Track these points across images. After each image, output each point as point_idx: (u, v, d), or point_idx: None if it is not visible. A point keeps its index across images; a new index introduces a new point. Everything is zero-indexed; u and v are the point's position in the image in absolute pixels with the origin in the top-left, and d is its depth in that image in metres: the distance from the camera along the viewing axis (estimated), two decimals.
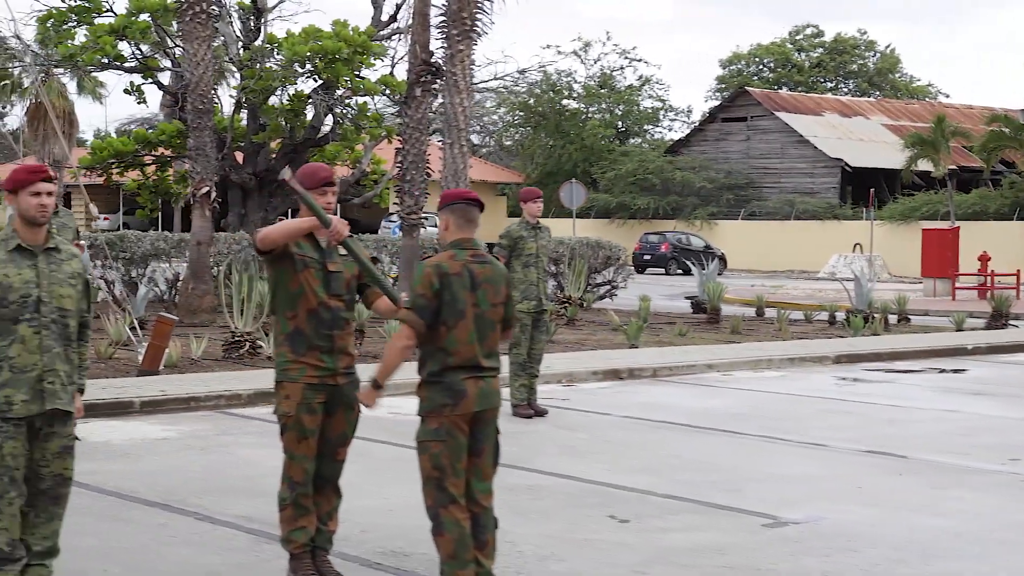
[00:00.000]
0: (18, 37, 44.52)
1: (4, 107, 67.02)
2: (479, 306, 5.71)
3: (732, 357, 15.35)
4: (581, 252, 24.03)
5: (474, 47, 19.10)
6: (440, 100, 20.77)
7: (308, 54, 24.81)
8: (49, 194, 5.45)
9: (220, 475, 8.63)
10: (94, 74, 31.08)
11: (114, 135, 37.05)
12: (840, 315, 21.36)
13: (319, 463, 6.21)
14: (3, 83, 56.92)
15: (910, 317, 22.35)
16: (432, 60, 20.99)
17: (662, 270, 44.79)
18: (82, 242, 10.13)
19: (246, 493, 8.10)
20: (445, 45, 19.06)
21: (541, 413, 11.34)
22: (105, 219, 51.33)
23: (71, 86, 54.62)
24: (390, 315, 6.20)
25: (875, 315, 20.41)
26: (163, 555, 6.71)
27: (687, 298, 29.41)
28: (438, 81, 21.26)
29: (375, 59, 25.68)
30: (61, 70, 42.69)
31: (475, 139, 44.95)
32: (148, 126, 49.43)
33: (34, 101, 51.81)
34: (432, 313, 5.63)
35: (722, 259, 43.18)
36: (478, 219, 5.84)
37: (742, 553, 6.82)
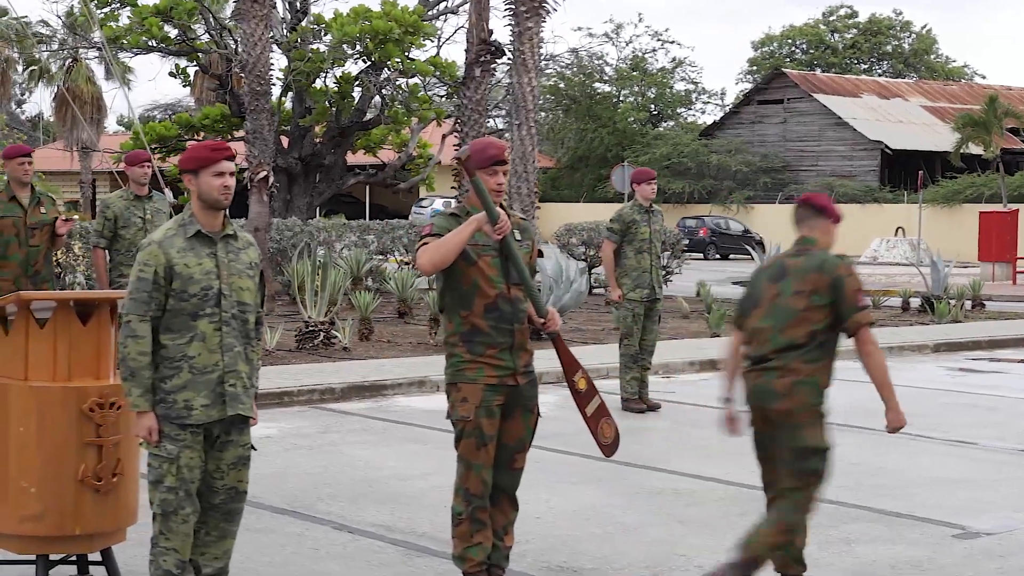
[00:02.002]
0: (46, 23, 43.93)
1: (23, 93, 66.65)
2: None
3: None
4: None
5: (543, 24, 18.43)
6: (502, 80, 20.19)
7: (358, 35, 24.18)
8: (232, 174, 4.84)
9: (340, 478, 8.03)
10: (133, 57, 30.39)
11: (138, 122, 36.60)
12: (914, 301, 20.69)
13: (495, 472, 5.61)
14: (30, 68, 56.55)
15: (984, 303, 21.65)
16: (491, 39, 20.35)
17: (700, 255, 44.09)
18: (75, 217, 9.53)
19: (374, 499, 7.50)
20: (512, 22, 18.37)
21: (654, 407, 10.72)
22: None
23: (99, 71, 54.25)
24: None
25: (951, 300, 19.74)
26: (314, 570, 6.11)
27: (736, 283, 28.80)
28: (497, 61, 20.64)
29: (426, 39, 25.05)
30: (90, 55, 42.13)
31: (500, 123, 44.29)
32: (171, 112, 48.90)
33: (62, 86, 51.42)
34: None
35: (760, 244, 42.49)
36: (809, 220, 5.86)
37: (946, 570, 6.20)
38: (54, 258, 10.03)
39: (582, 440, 9.34)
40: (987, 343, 15.82)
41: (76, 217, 9.47)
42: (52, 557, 5.46)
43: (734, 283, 28.75)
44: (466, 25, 20.33)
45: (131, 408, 4.80)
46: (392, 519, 7.03)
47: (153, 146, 26.68)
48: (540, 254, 5.72)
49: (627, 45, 59.46)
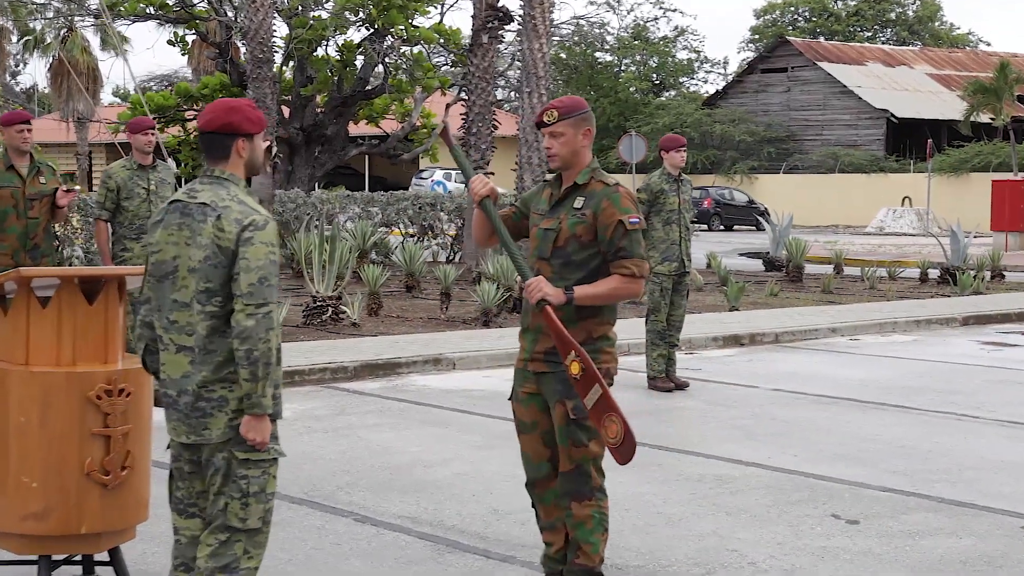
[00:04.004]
0: None
1: (18, 65, 65.88)
2: None
3: (854, 320, 14.21)
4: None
5: None
6: (508, 48, 19.64)
7: (360, 1, 23.60)
8: None
9: (359, 464, 7.56)
10: (130, 26, 29.78)
11: (137, 91, 35.99)
12: (933, 272, 20.23)
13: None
14: (24, 39, 55.80)
15: (1004, 273, 21.17)
16: (500, 4, 19.82)
17: (704, 226, 43.60)
18: (76, 187, 9.00)
19: (397, 488, 7.04)
20: None
21: (682, 386, 10.26)
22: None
23: (94, 42, 53.51)
24: None
25: (972, 271, 19.27)
26: (338, 569, 5.65)
27: (743, 254, 28.35)
28: (505, 27, 20.12)
29: (430, 5, 24.47)
30: (85, 23, 41.49)
31: (500, 94, 43.76)
32: (168, 83, 48.22)
33: (57, 57, 50.69)
34: None
35: (765, 214, 41.98)
36: None
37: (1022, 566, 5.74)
38: (54, 231, 9.56)
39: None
40: (1016, 315, 15.35)
41: (78, 188, 8.96)
42: (55, 557, 4.99)
43: (741, 255, 28.28)
44: None
45: (263, 411, 4.07)
46: (417, 510, 6.57)
47: (152, 116, 26.16)
48: (623, 225, 4.95)
49: (628, 14, 58.82)
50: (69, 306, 4.97)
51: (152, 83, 54.09)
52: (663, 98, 56.86)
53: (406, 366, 10.85)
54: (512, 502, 6.47)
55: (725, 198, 45.17)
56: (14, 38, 56.01)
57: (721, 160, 50.28)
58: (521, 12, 18.14)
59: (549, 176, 5.16)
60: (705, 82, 61.33)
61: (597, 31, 57.87)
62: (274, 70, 19.46)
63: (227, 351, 4.09)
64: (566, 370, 4.81)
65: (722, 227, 44.56)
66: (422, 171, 47.25)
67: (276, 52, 25.34)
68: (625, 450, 4.79)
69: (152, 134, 8.93)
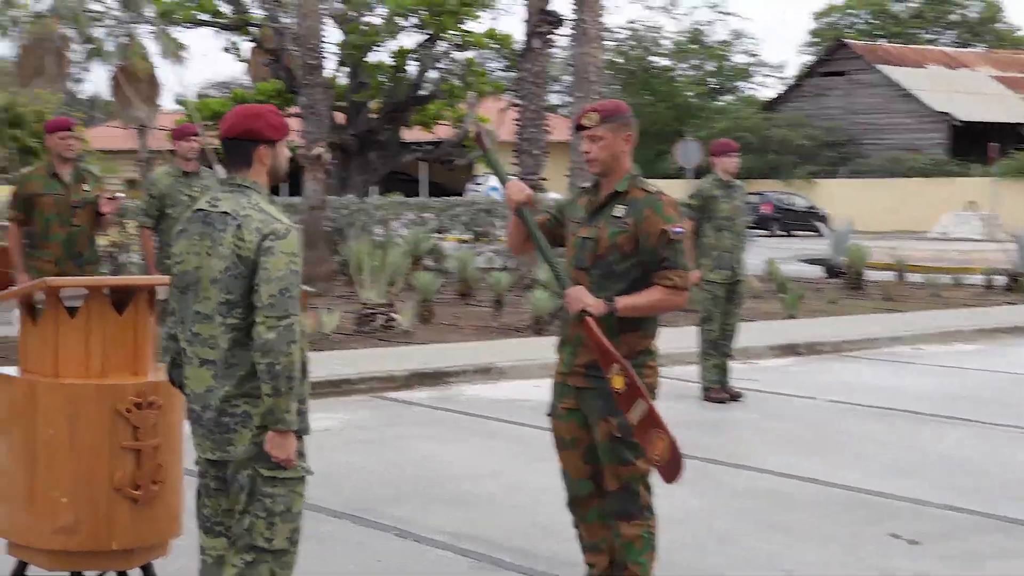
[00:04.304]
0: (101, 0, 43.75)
1: (82, 72, 66.69)
2: None
3: (917, 329, 13.88)
4: None
5: None
6: (560, 54, 19.47)
7: (412, 6, 23.52)
8: None
9: (404, 477, 7.40)
10: (180, 34, 29.89)
11: (188, 96, 36.09)
12: (999, 279, 19.78)
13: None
14: (86, 46, 56.42)
15: None
16: (550, 8, 19.62)
17: (765, 232, 43.09)
18: (118, 195, 8.89)
19: (442, 501, 6.86)
20: None
21: (736, 397, 10.01)
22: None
23: (153, 49, 53.96)
24: None
25: None
26: None
27: (803, 260, 27.91)
28: (557, 32, 19.92)
29: (482, 10, 24.36)
30: (144, 31, 41.82)
31: (554, 99, 43.52)
32: (227, 89, 48.52)
33: (117, 65, 51.08)
34: None
35: (825, 219, 41.47)
36: None
37: None
38: (108, 238, 9.47)
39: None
40: None
41: (121, 194, 8.87)
42: (86, 574, 4.86)
43: (800, 260, 27.86)
44: None
45: (287, 427, 3.91)
46: (461, 525, 6.39)
47: (207, 122, 26.25)
48: (666, 235, 4.70)
49: (685, 17, 58.39)
50: (98, 316, 4.85)
51: (212, 90, 54.48)
52: (720, 102, 56.38)
53: (455, 375, 10.68)
54: (557, 517, 6.24)
55: (784, 203, 44.65)
56: (76, 46, 56.78)
57: (780, 165, 49.76)
58: (572, 16, 17.93)
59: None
60: (763, 86, 60.71)
61: (653, 35, 57.56)
62: (326, 76, 19.41)
63: (250, 365, 3.93)
64: (608, 384, 4.60)
65: (782, 232, 44.04)
66: (477, 176, 47.23)
67: (329, 58, 25.38)
68: (672, 468, 4.57)
69: (195, 140, 8.83)
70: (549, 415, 4.95)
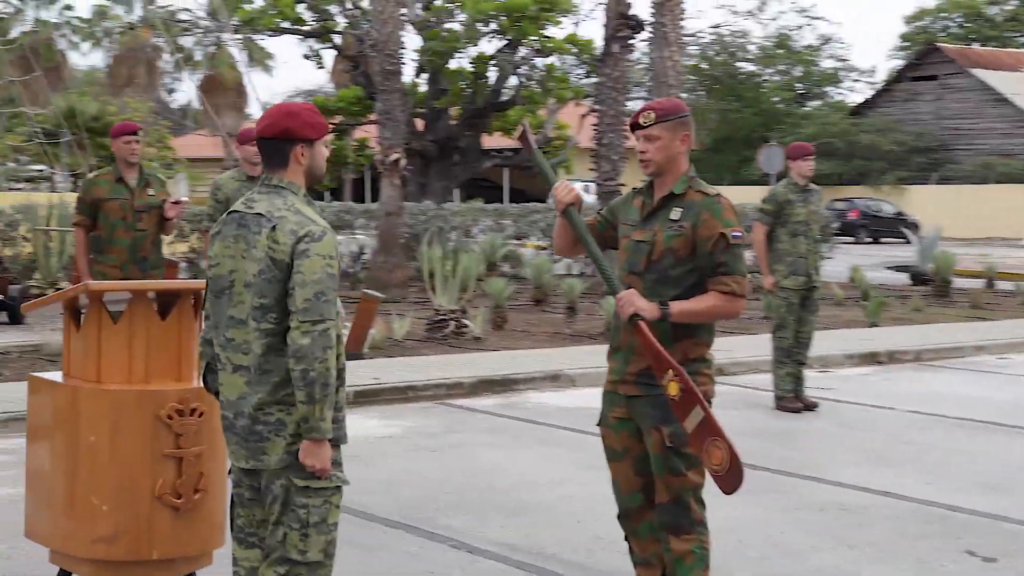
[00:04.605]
0: (189, 9, 44.31)
1: (174, 82, 67.56)
2: None
3: (1004, 337, 13.46)
4: None
5: None
6: (642, 58, 19.27)
7: (492, 12, 23.45)
8: None
9: (463, 485, 7.26)
10: (265, 42, 30.17)
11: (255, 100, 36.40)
12: None
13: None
14: (176, 56, 57.20)
15: None
16: (631, 13, 19.43)
17: (851, 238, 42.37)
18: (183, 199, 8.83)
19: (499, 510, 6.72)
20: None
21: (811, 407, 9.74)
22: None
23: (241, 57, 54.58)
24: None
25: None
26: None
27: (890, 267, 27.35)
28: (636, 36, 19.72)
29: (563, 16, 24.21)
30: (232, 40, 42.41)
31: (638, 104, 42.88)
32: (309, 96, 48.88)
33: (205, 74, 51.78)
34: None
35: (914, 226, 40.64)
36: None
37: None
38: (188, 244, 9.46)
39: (736, 443, 8.44)
40: None
41: (186, 199, 8.82)
42: None
43: (888, 268, 27.32)
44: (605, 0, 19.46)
45: (322, 436, 3.77)
46: (517, 536, 6.24)
47: None
48: (724, 239, 4.49)
49: (772, 22, 57.72)
50: (141, 321, 4.79)
51: (298, 97, 54.97)
52: (807, 108, 55.62)
53: (524, 382, 10.54)
54: (615, 529, 6.03)
55: (872, 209, 43.86)
56: (166, 56, 57.56)
57: (869, 171, 48.93)
58: (652, 20, 17.73)
59: (640, 183, 4.79)
60: (851, 91, 59.80)
61: (739, 40, 56.98)
62: (404, 82, 19.36)
63: (284, 371, 3.81)
64: (663, 391, 4.42)
65: (869, 239, 43.28)
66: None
67: (409, 64, 25.40)
68: (731, 478, 4.36)
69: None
70: (599, 424, 4.79)
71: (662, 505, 4.60)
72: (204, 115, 50.20)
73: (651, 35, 17.84)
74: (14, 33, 56.13)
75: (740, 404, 10.05)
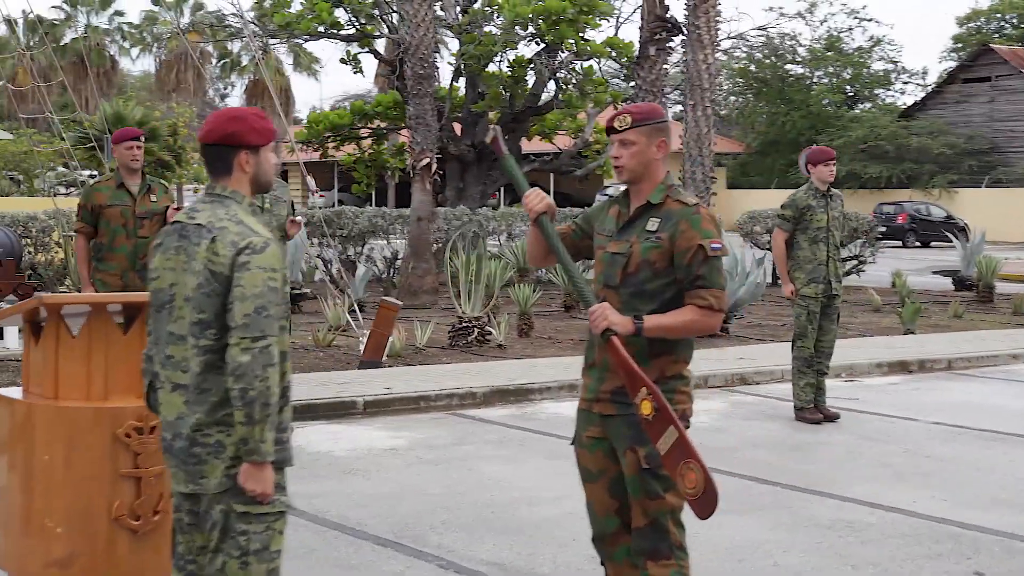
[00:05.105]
0: (238, 14, 44.72)
1: (226, 87, 67.98)
2: None
3: None
4: None
5: None
6: (679, 58, 19.01)
7: (530, 15, 23.22)
8: None
9: (461, 500, 7.08)
10: (308, 47, 30.13)
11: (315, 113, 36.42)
12: None
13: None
14: (223, 61, 57.51)
15: None
16: (668, 15, 19.16)
17: (899, 243, 41.78)
18: (298, 218, 8.71)
19: (494, 528, 6.52)
20: None
21: (831, 418, 9.47)
22: (320, 195, 51.34)
23: (287, 61, 54.79)
24: None
25: None
26: None
27: (936, 272, 26.86)
28: (673, 39, 19.46)
29: (601, 19, 23.95)
30: (278, 44, 42.57)
31: (679, 108, 42.54)
32: (364, 101, 48.98)
33: (252, 78, 51.91)
34: None
35: (964, 230, 39.98)
36: None
37: None
38: None
39: (743, 457, 8.22)
40: None
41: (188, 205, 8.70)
42: None
43: (934, 272, 26.83)
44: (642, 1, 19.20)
45: (263, 459, 3.59)
46: (510, 555, 6.04)
47: (326, 134, 26.28)
48: (703, 251, 4.27)
49: (821, 24, 57.04)
50: (101, 335, 4.66)
51: (346, 102, 55.05)
52: (857, 110, 54.92)
53: (539, 392, 10.33)
54: None
55: (921, 213, 43.23)
56: (214, 60, 57.92)
57: (918, 174, 48.24)
58: (686, 22, 17.46)
59: (610, 191, 4.58)
60: (902, 93, 58.88)
61: (788, 43, 56.37)
62: (439, 86, 19.19)
63: (223, 391, 3.64)
64: (636, 410, 4.22)
65: (918, 243, 42.66)
66: (606, 187, 46.69)
67: (447, 67, 25.22)
68: (706, 502, 4.14)
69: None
70: (572, 444, 4.60)
71: (639, 529, 4.40)
72: None
73: (685, 38, 17.57)
74: (66, 39, 56.82)
75: (759, 415, 9.80)
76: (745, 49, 53.63)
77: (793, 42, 56.64)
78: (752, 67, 55.93)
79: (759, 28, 49.53)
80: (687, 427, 4.37)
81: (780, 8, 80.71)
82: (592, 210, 4.66)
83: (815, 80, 56.22)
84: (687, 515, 4.33)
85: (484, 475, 7.72)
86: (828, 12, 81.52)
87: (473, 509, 6.90)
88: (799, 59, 56.74)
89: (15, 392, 4.78)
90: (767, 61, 55.70)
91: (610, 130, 4.45)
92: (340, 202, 45.98)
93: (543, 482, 7.55)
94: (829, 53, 56.26)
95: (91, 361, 4.62)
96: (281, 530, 3.77)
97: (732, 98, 59.55)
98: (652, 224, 4.36)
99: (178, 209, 8.29)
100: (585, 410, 4.51)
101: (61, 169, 39.36)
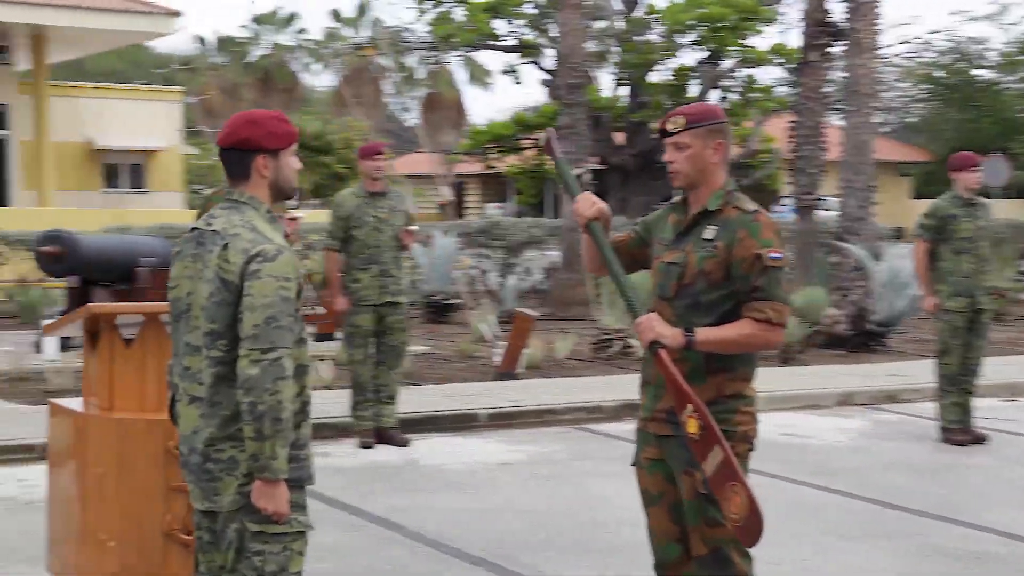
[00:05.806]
0: (411, 30, 45.29)
1: (406, 102, 69.08)
2: None
3: None
4: (1006, 236, 20.82)
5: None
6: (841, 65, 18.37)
7: (691, 22, 22.85)
8: None
9: (565, 519, 6.83)
10: (476, 59, 30.30)
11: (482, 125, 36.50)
12: None
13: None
14: (402, 75, 58.36)
15: None
16: (829, 20, 18.55)
17: None
18: (414, 228, 8.63)
19: (590, 547, 6.26)
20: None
21: (979, 439, 8.89)
22: (497, 207, 51.49)
23: (461, 76, 55.26)
24: None
25: None
26: None
27: None
28: (835, 44, 18.82)
29: (764, 25, 23.41)
30: (451, 58, 42.97)
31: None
32: (531, 112, 49.11)
33: (427, 92, 52.56)
34: None
35: None
36: None
37: None
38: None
39: (874, 480, 7.76)
40: None
41: (300, 215, 8.74)
42: None
43: None
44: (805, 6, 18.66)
45: (274, 476, 3.43)
46: None
47: (490, 144, 26.34)
48: (761, 261, 3.97)
49: (1014, 27, 54.72)
50: (155, 345, 4.58)
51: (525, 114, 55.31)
52: None
53: None
54: None
55: None
56: (391, 75, 58.82)
57: None
58: (847, 27, 16.85)
59: (676, 198, 4.28)
60: None
61: (978, 47, 54.28)
62: (593, 98, 18.98)
63: (235, 404, 3.49)
64: (682, 428, 3.93)
65: None
66: (783, 198, 45.64)
67: (607, 77, 25.01)
68: (750, 529, 3.81)
69: (380, 159, 8.57)
70: (633, 465, 4.32)
71: (700, 558, 4.09)
72: (424, 132, 51.11)
73: (845, 42, 16.97)
74: (252, 57, 58.52)
75: (901, 435, 9.28)
76: (931, 55, 51.87)
77: (982, 46, 54.54)
78: (941, 73, 53.99)
79: (932, 32, 47.76)
80: (751, 449, 4.07)
81: (967, 12, 77.87)
82: (652, 217, 4.37)
83: (1006, 85, 53.98)
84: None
85: (594, 493, 7.45)
86: (1021, 15, 78.42)
87: (573, 528, 6.65)
88: (989, 64, 54.59)
89: (76, 403, 4.75)
90: (954, 66, 53.71)
91: (663, 133, 4.16)
92: (520, 213, 46.09)
93: None
94: (1021, 57, 53.99)
95: (146, 371, 4.56)
96: (301, 551, 3.59)
97: (917, 105, 57.63)
98: (709, 232, 4.05)
99: (292, 219, 8.33)
100: (642, 430, 4.24)
101: None
